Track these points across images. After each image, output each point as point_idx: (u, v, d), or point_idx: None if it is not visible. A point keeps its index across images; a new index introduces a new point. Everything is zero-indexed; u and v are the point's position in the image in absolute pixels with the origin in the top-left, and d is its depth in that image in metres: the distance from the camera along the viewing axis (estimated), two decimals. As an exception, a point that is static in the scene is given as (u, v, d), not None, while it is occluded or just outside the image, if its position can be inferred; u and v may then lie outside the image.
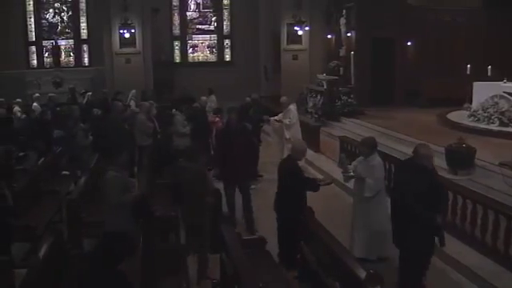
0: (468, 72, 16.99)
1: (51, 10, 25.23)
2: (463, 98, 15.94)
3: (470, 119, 14.92)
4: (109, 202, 7.02)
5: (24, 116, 15.11)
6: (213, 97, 17.45)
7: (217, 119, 13.70)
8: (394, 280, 6.84)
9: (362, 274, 5.46)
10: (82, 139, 12.70)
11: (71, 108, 14.38)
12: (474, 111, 15.01)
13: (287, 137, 13.09)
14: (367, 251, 8.02)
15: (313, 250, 6.83)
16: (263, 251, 7.14)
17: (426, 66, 18.93)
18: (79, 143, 12.59)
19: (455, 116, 15.79)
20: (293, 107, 13.62)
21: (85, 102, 18.11)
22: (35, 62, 24.99)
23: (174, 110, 13.93)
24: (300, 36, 22.38)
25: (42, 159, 11.52)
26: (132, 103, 17.86)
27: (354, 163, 8.52)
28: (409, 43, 19.67)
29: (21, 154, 11.47)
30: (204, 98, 15.48)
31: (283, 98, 14.08)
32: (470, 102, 15.56)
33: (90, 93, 19.03)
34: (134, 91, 19.12)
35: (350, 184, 9.27)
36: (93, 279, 4.73)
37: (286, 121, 13.32)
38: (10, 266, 6.33)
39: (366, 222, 8.04)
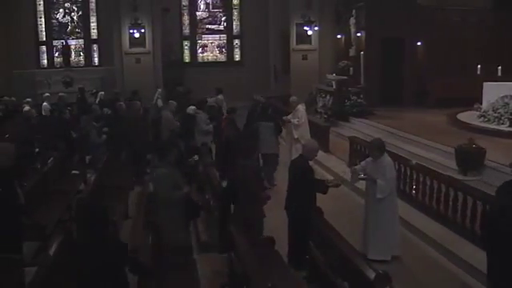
0: (478, 72, 16.91)
1: (61, 10, 25.31)
2: (473, 99, 15.84)
3: (480, 120, 14.85)
4: (160, 199, 7.04)
5: (35, 115, 15.17)
6: (221, 96, 17.47)
7: None
8: (405, 279, 6.78)
9: (371, 274, 5.45)
10: (95, 138, 12.82)
11: (90, 107, 14.49)
12: (484, 112, 14.94)
13: (295, 137, 13.08)
14: (384, 252, 8.00)
15: (322, 250, 6.82)
16: (272, 251, 7.13)
17: (435, 66, 18.83)
18: (93, 142, 12.71)
19: (465, 116, 15.72)
20: (301, 107, 13.61)
21: (97, 101, 18.18)
22: (45, 61, 25.08)
23: (192, 107, 13.97)
24: (309, 36, 22.35)
25: (50, 158, 11.58)
26: (159, 102, 17.96)
27: (362, 164, 8.51)
28: (418, 43, 19.59)
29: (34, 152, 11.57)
30: (220, 96, 15.48)
31: (292, 98, 14.09)
32: (480, 103, 15.49)
33: (103, 92, 19.08)
34: (160, 90, 19.24)
35: (359, 185, 9.25)
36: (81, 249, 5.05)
37: (295, 121, 13.30)
38: (20, 264, 6.36)
39: (378, 223, 8.01)
